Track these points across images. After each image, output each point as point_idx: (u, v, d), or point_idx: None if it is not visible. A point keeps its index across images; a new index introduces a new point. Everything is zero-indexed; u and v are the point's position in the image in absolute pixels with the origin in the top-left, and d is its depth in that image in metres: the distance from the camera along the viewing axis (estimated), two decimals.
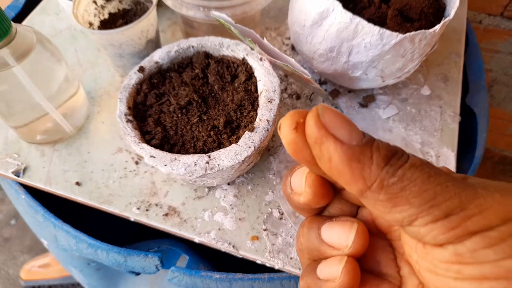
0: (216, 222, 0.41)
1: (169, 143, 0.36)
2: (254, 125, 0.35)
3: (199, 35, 0.47)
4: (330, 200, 0.20)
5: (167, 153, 0.34)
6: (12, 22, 0.37)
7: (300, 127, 0.16)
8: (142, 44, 0.45)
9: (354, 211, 0.21)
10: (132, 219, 0.41)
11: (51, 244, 0.48)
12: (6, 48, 0.36)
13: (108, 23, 0.48)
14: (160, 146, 0.35)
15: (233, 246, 0.39)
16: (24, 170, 0.44)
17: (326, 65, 0.45)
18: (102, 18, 0.48)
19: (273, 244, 0.40)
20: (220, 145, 0.35)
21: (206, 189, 0.43)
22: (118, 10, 0.48)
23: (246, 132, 0.34)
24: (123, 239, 0.45)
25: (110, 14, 0.48)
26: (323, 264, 0.18)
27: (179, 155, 0.34)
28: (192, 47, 0.40)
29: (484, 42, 0.86)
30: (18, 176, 0.43)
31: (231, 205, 0.42)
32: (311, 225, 0.19)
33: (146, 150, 0.34)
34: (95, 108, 0.49)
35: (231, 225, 0.41)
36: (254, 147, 0.34)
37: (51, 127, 0.44)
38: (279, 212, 0.42)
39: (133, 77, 0.39)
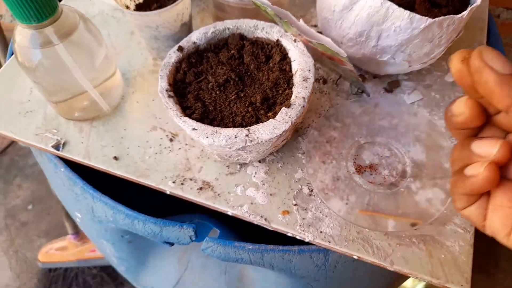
0: (249, 197, 0.43)
1: (208, 118, 0.38)
2: (290, 102, 0.36)
3: (230, 19, 0.49)
4: (482, 123, 0.24)
5: (209, 126, 0.35)
6: (58, 2, 0.39)
7: (466, 60, 0.22)
8: (177, 27, 0.47)
9: (502, 137, 0.24)
10: (168, 192, 0.43)
11: (85, 217, 0.50)
12: (51, 26, 0.38)
13: (142, 7, 0.49)
14: (200, 120, 0.37)
15: (265, 219, 0.41)
16: (64, 144, 0.46)
17: (355, 50, 0.46)
18: (137, 2, 0.49)
19: (303, 218, 0.42)
20: (258, 120, 0.37)
21: (238, 166, 0.45)
22: None
23: (283, 108, 0.36)
24: (154, 215, 0.47)
25: None
26: (470, 166, 0.23)
27: (219, 128, 0.35)
28: (228, 29, 0.42)
29: (501, 36, 0.86)
30: (58, 150, 0.45)
31: (262, 181, 0.44)
32: (464, 142, 0.24)
33: (188, 123, 0.36)
34: (129, 88, 0.51)
35: (262, 199, 0.42)
36: (291, 122, 0.35)
37: (89, 105, 0.46)
38: (309, 189, 0.43)
39: (173, 56, 0.40)
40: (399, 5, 0.43)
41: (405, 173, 0.45)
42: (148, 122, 0.48)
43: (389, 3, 0.41)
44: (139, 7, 0.49)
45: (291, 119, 0.35)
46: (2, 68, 0.52)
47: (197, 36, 0.41)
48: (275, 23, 0.42)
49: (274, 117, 0.36)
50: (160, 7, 0.49)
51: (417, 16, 0.41)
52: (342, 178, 0.44)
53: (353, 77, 0.43)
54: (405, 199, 0.43)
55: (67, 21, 0.40)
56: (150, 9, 0.49)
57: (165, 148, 0.46)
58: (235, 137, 0.35)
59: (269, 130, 0.35)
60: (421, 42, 0.43)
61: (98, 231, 0.50)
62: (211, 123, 0.37)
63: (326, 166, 0.45)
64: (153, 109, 0.49)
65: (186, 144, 0.46)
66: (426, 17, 0.41)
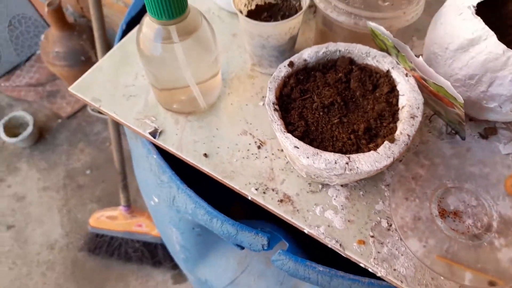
0: (326, 219, 0.43)
1: (308, 137, 0.39)
2: (395, 137, 0.36)
3: (335, 38, 0.49)
4: None
5: (310, 146, 0.36)
6: (188, 4, 0.41)
7: None
8: (285, 40, 0.48)
9: None
10: (249, 198, 0.45)
11: (163, 203, 0.52)
12: (175, 25, 0.40)
13: (253, 14, 0.51)
14: (301, 139, 0.38)
15: (340, 245, 0.42)
16: (160, 133, 0.49)
17: (461, 91, 0.45)
18: (249, 8, 0.51)
19: (378, 252, 0.41)
20: (358, 149, 0.37)
21: (320, 186, 0.45)
22: (265, 3, 0.51)
23: (386, 142, 0.36)
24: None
25: (257, 5, 0.51)
26: None
27: (320, 150, 0.36)
28: (339, 51, 0.43)
29: None
30: (154, 138, 0.48)
31: (342, 205, 0.44)
32: None
33: (291, 140, 0.37)
34: (226, 89, 0.53)
35: (340, 224, 0.43)
36: (393, 158, 0.35)
37: (188, 99, 0.48)
38: (388, 223, 0.43)
39: (283, 70, 0.41)
40: None
41: (490, 227, 0.43)
42: (240, 125, 0.49)
43: (511, 51, 0.39)
44: (250, 13, 0.51)
45: (394, 155, 0.35)
46: (112, 50, 0.56)
47: (309, 54, 0.42)
48: (388, 53, 0.42)
49: (375, 149, 0.36)
50: (270, 16, 0.51)
51: None
52: (423, 219, 0.43)
53: (457, 119, 0.42)
54: (487, 254, 0.42)
55: (191, 22, 0.42)
56: (259, 17, 0.51)
57: (252, 154, 0.47)
58: (335, 162, 0.35)
59: (370, 162, 0.35)
60: None
61: (172, 218, 0.53)
62: (311, 142, 0.38)
63: (408, 203, 0.44)
64: (246, 114, 0.50)
65: (273, 154, 0.47)
66: None
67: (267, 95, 0.40)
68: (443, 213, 0.44)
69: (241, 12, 0.50)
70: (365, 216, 0.43)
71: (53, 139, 1.65)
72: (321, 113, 0.39)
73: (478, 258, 0.41)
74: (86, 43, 1.60)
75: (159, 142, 0.48)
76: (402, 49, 0.39)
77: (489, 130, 0.50)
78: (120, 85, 0.53)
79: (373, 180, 0.46)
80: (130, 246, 1.29)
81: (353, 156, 0.36)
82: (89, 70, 0.54)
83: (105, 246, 1.30)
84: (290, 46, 0.50)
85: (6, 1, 1.61)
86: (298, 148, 0.36)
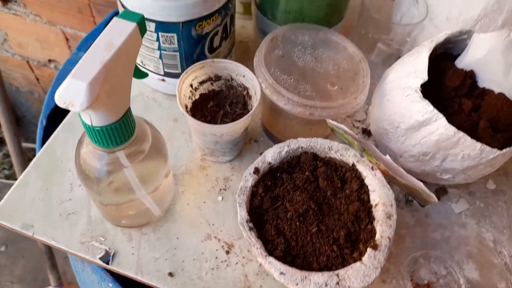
0: None
1: (290, 253, 0.36)
2: (376, 242, 0.36)
3: (288, 122, 0.48)
4: None
5: (297, 270, 0.34)
6: (135, 125, 0.36)
7: None
8: (239, 133, 0.45)
9: None
10: None
11: None
12: (123, 150, 0.35)
13: (199, 104, 0.48)
14: (283, 258, 0.35)
15: None
16: (113, 256, 0.42)
17: (415, 165, 0.47)
18: (193, 99, 0.47)
19: None
20: (344, 261, 0.36)
21: None
22: (208, 91, 0.48)
23: (370, 249, 0.35)
24: None
25: (201, 95, 0.48)
26: None
27: (308, 272, 0.34)
28: (301, 147, 0.41)
29: None
30: (107, 264, 0.42)
31: None
32: None
33: (275, 266, 0.34)
34: (178, 187, 0.48)
35: None
36: (381, 267, 0.34)
37: (139, 212, 0.43)
38: None
39: (249, 179, 0.39)
40: (460, 127, 0.43)
41: None
42: (201, 229, 0.45)
43: (462, 133, 0.41)
44: (195, 104, 0.47)
45: (380, 264, 0.35)
46: (36, 158, 0.48)
47: (272, 156, 0.40)
48: (349, 145, 0.41)
49: (360, 259, 0.35)
50: (217, 105, 0.48)
51: (487, 148, 0.41)
52: None
53: (419, 195, 0.43)
54: None
55: (139, 139, 0.37)
56: (206, 106, 0.47)
57: (221, 262, 0.43)
58: (326, 285, 0.33)
59: (359, 278, 0.34)
60: (484, 168, 0.44)
61: None
62: (293, 260, 0.36)
63: (386, 286, 0.44)
64: (205, 213, 0.46)
65: (244, 257, 0.44)
66: (496, 149, 0.42)
67: (238, 212, 0.37)
68: None
69: (186, 107, 0.46)
70: None
71: None
72: (297, 223, 0.37)
73: None
74: None
75: (114, 267, 0.42)
76: (366, 147, 0.38)
77: (440, 191, 0.52)
78: (54, 201, 0.45)
79: None
80: None
81: (341, 272, 0.34)
82: (12, 188, 0.46)
83: None
84: (243, 137, 0.47)
85: None
86: (284, 274, 0.34)
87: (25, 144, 1.52)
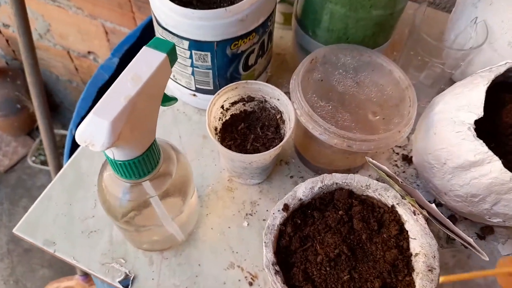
0: None
1: None
2: None
3: (323, 150, 0.44)
4: None
5: None
6: (160, 155, 0.33)
7: None
8: (269, 161, 0.42)
9: None
10: None
11: None
12: (149, 180, 0.34)
13: (229, 126, 0.45)
14: None
15: None
16: (133, 280, 0.41)
17: (461, 205, 0.42)
18: (224, 120, 0.45)
19: None
20: None
21: None
22: (240, 111, 0.46)
23: None
24: None
25: (231, 115, 0.45)
26: None
27: None
28: (336, 183, 0.38)
29: None
30: (126, 287, 0.41)
31: None
32: None
33: None
34: (203, 210, 0.46)
35: None
36: None
37: (162, 238, 0.42)
38: None
39: (277, 216, 0.36)
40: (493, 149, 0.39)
41: None
42: (224, 256, 0.43)
43: None
44: (225, 125, 0.45)
45: None
46: (62, 170, 0.47)
47: (303, 192, 0.37)
48: (390, 185, 0.38)
49: None
50: (248, 127, 0.45)
51: None
52: None
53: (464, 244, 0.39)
54: None
55: (165, 165, 0.35)
56: (236, 128, 0.45)
57: None
58: None
59: None
60: None
61: None
62: None
63: None
64: (229, 239, 0.44)
65: None
66: None
67: (264, 254, 0.34)
68: None
69: (216, 129, 0.44)
70: None
71: None
72: (327, 269, 0.34)
73: None
74: (21, 90, 1.46)
75: None
76: (410, 192, 0.35)
77: (486, 230, 0.48)
78: (77, 217, 0.44)
79: None
80: None
81: None
82: (36, 202, 0.45)
83: None
84: (274, 161, 0.45)
85: None
86: None
87: (60, 131, 1.56)
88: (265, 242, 0.35)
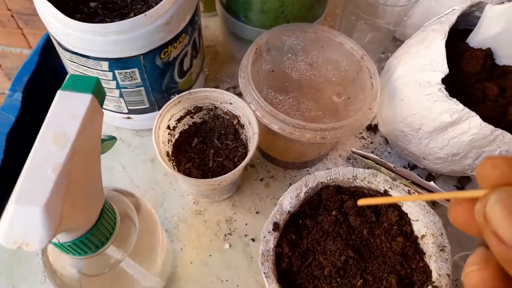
0: None
1: None
2: (435, 284, 0.30)
3: (289, 145, 0.40)
4: None
5: None
6: (115, 216, 0.27)
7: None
8: (238, 174, 0.37)
9: None
10: None
11: None
12: (112, 244, 0.27)
13: (181, 145, 0.39)
14: None
15: None
16: None
17: (442, 166, 0.41)
18: (173, 140, 0.39)
19: None
20: None
21: None
22: (189, 126, 0.40)
23: None
24: None
25: (180, 133, 0.39)
26: None
27: None
28: (321, 183, 0.34)
29: None
30: None
31: None
32: None
33: None
34: (175, 244, 0.40)
35: None
36: None
37: None
38: None
39: (269, 238, 0.31)
40: (489, 117, 0.38)
41: None
42: None
43: (500, 130, 0.35)
44: (177, 145, 0.39)
45: None
46: None
47: (290, 203, 0.33)
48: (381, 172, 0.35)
49: None
50: (203, 141, 0.39)
51: None
52: None
53: None
54: None
55: (125, 225, 0.28)
56: (189, 145, 0.39)
57: None
58: None
59: None
60: None
61: None
62: None
63: None
64: (214, 269, 0.39)
65: None
66: None
67: (266, 286, 0.29)
68: None
69: (167, 154, 0.37)
70: None
71: None
72: (338, 279, 0.31)
73: None
74: None
75: None
76: (407, 175, 0.31)
77: (463, 180, 0.47)
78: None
79: None
80: None
81: None
82: None
83: None
84: (239, 177, 0.39)
85: None
86: None
87: None
88: (264, 273, 0.30)
